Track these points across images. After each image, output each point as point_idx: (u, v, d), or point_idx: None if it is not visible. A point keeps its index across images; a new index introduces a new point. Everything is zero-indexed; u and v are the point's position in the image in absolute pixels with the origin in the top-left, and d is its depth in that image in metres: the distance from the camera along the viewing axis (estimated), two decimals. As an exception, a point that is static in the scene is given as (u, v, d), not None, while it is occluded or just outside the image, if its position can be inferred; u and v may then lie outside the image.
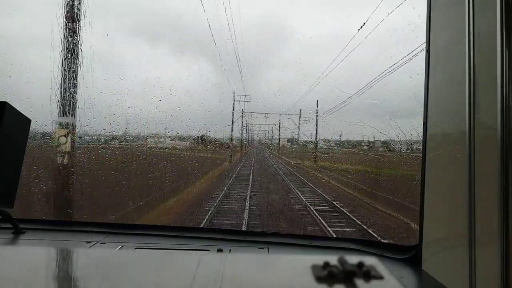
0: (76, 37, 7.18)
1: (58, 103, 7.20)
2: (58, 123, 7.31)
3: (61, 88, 7.19)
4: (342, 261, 0.68)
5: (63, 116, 7.22)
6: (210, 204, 12.58)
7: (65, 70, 7.14)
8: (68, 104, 7.23)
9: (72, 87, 7.31)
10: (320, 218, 11.24)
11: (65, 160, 7.31)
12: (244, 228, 9.89)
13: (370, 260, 0.70)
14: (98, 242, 1.99)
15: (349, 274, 0.64)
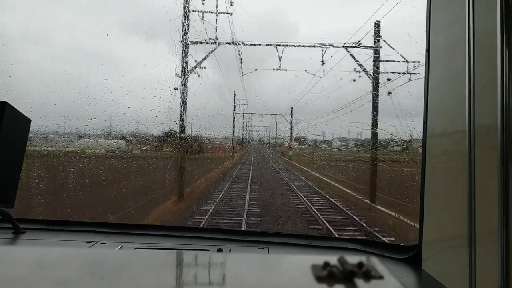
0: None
1: None
2: None
3: None
4: (342, 261, 0.68)
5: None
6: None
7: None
8: None
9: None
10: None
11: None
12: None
13: (370, 260, 0.69)
14: (98, 242, 1.99)
15: (349, 274, 0.64)
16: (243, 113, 32.01)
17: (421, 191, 1.67)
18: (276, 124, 40.33)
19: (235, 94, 29.42)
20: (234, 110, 30.50)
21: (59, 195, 11.15)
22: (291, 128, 31.07)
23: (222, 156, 27.96)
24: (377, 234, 10.34)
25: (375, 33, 14.98)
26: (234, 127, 31.76)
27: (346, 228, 11.03)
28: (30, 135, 1.92)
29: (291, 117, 29.92)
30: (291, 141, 35.29)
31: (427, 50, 1.64)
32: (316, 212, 12.69)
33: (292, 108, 28.89)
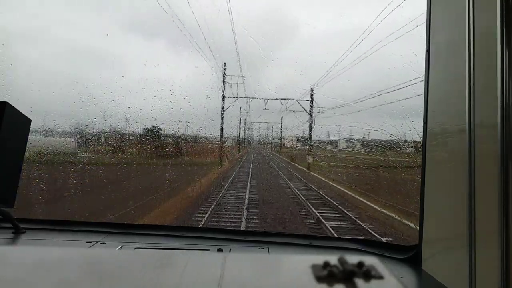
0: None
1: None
2: None
3: None
4: (342, 261, 0.68)
5: None
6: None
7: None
8: None
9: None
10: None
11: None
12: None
13: (370, 260, 0.70)
14: (98, 242, 1.99)
15: (349, 274, 0.64)
16: (237, 97, 20.72)
17: (421, 191, 1.66)
18: (282, 119, 28.92)
19: (225, 68, 19.38)
20: (223, 88, 19.34)
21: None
22: (311, 121, 19.10)
23: (204, 163, 18.27)
24: None
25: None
26: (222, 119, 20.20)
27: None
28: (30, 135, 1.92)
29: (311, 104, 18.25)
30: (309, 141, 22.74)
31: (427, 50, 1.65)
32: None
33: (312, 90, 18.21)
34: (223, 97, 20.74)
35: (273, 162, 28.28)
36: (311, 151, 22.97)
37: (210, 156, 19.92)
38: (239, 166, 24.68)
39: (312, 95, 18.97)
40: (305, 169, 23.39)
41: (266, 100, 21.08)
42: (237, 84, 20.69)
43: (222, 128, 21.01)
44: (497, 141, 1.17)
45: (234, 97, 21.17)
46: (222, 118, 20.70)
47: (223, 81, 20.28)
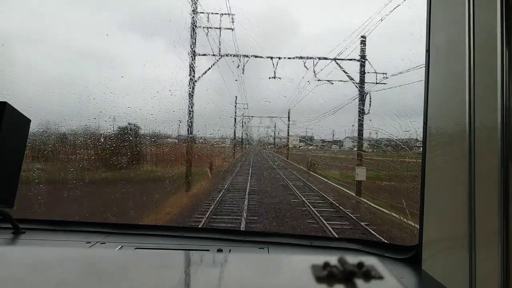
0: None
1: None
2: None
3: None
4: (342, 261, 0.68)
5: None
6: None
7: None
8: None
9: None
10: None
11: None
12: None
13: (370, 260, 0.69)
14: (98, 242, 1.99)
15: (349, 274, 0.64)
16: (220, 54, 14.34)
17: (421, 191, 1.67)
18: (289, 114, 21.34)
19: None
20: (193, 24, 12.73)
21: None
22: (365, 98, 11.46)
23: (165, 176, 11.71)
24: None
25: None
26: (192, 97, 12.79)
27: None
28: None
29: (362, 65, 11.47)
30: (360, 142, 13.64)
31: (427, 50, 1.65)
32: None
33: (364, 38, 11.64)
34: (194, 53, 12.02)
35: (285, 174, 17.35)
36: (361, 159, 12.46)
37: (178, 166, 12.21)
38: (224, 188, 14.47)
39: (363, 46, 10.04)
40: (352, 193, 13.49)
41: (275, 62, 12.67)
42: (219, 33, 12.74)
43: (191, 111, 12.13)
44: (497, 141, 1.17)
45: (214, 55, 12.83)
46: (191, 93, 11.84)
47: (193, 16, 12.25)
